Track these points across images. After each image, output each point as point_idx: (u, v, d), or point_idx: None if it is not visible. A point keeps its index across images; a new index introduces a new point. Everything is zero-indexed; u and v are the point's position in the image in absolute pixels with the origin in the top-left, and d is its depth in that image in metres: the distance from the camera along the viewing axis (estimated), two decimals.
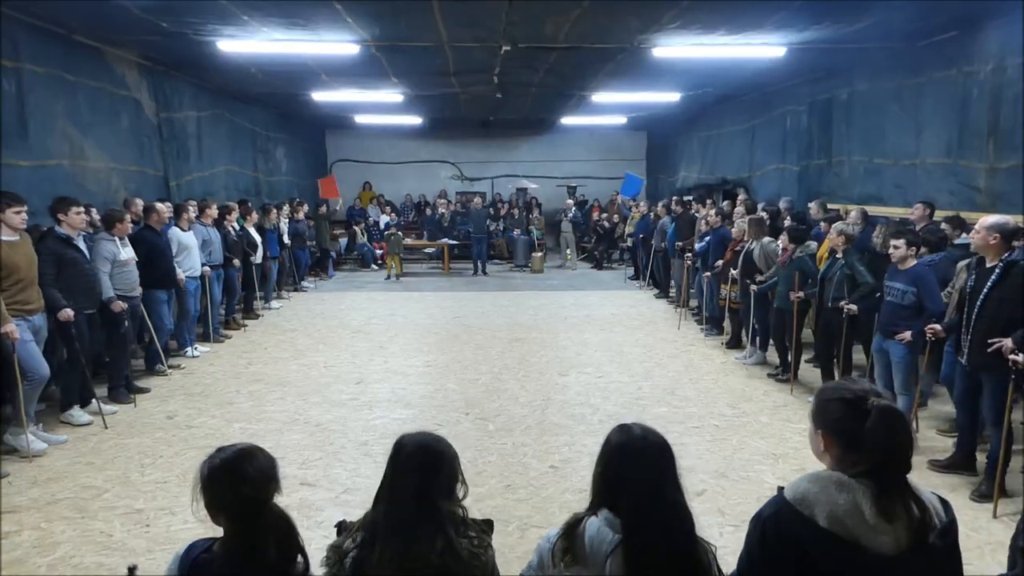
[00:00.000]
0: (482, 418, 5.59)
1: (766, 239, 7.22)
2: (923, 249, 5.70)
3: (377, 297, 11.40)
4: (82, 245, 5.56)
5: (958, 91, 6.87)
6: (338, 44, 7.52)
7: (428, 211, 16.53)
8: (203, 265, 7.68)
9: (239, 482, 1.74)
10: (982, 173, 6.53)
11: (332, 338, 8.38)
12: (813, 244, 6.55)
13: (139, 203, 7.35)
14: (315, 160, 17.54)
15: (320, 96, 11.42)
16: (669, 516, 1.67)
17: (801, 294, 6.14)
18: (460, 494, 1.83)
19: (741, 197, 10.98)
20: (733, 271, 7.66)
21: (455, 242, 14.81)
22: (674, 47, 7.74)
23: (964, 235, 5.52)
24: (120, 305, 5.81)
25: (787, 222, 7.95)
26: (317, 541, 3.60)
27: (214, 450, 1.84)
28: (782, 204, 9.21)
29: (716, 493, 4.25)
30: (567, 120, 15.45)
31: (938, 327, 4.57)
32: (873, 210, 7.88)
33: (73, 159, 7.17)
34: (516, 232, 15.35)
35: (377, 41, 7.50)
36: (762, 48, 7.72)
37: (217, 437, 5.16)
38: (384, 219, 16.14)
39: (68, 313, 5.16)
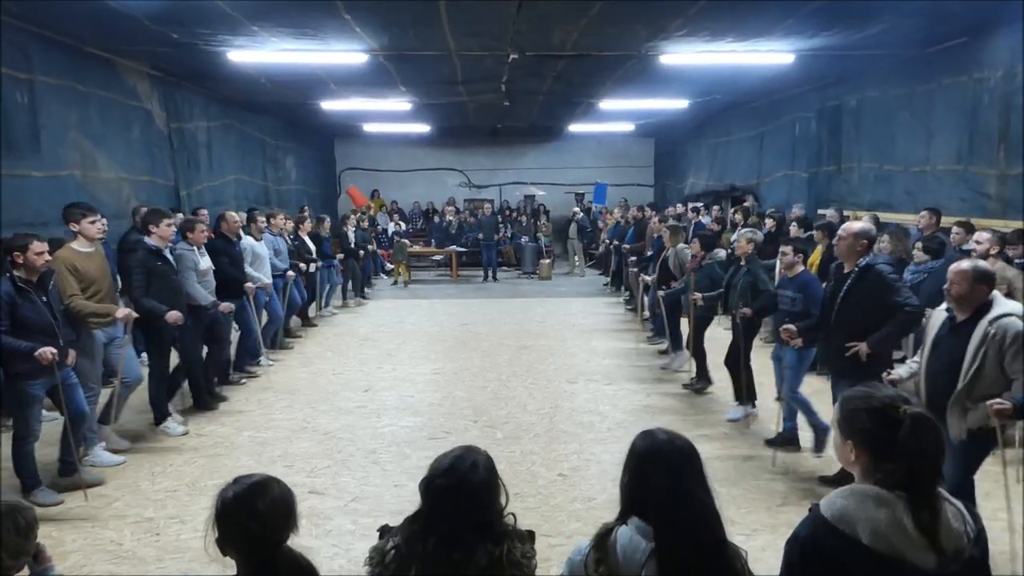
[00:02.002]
0: (490, 426, 5.58)
1: (680, 245, 7.16)
2: (925, 255, 5.68)
3: (385, 304, 11.42)
4: (170, 257, 5.54)
5: (968, 97, 6.83)
6: (347, 53, 7.57)
7: (436, 218, 16.58)
8: (286, 271, 7.78)
9: (249, 518, 1.66)
10: (993, 179, 6.48)
11: (340, 346, 8.40)
12: (721, 252, 6.38)
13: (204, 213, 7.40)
14: (324, 169, 17.64)
15: (329, 105, 11.50)
16: (700, 521, 1.64)
17: (699, 299, 6.07)
18: (503, 501, 1.80)
19: (748, 204, 10.96)
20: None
21: (463, 249, 14.84)
22: (682, 54, 7.75)
23: (972, 241, 5.48)
24: (229, 306, 5.78)
25: (793, 228, 7.92)
26: (326, 550, 3.63)
27: (232, 480, 1.78)
28: (794, 211, 9.16)
29: (727, 502, 4.21)
30: (575, 127, 15.47)
31: (792, 327, 4.52)
32: (883, 216, 7.84)
33: (85, 170, 7.24)
34: (524, 239, 15.36)
35: (385, 50, 7.54)
36: (770, 55, 7.71)
37: (226, 446, 5.18)
38: (391, 227, 16.20)
39: (176, 315, 5.15)
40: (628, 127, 15.66)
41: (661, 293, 7.05)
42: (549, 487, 4.45)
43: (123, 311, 4.81)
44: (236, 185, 11.43)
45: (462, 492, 1.72)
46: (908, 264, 6.17)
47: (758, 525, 3.92)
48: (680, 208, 12.90)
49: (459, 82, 9.60)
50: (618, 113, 12.88)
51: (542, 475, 4.63)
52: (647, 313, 8.62)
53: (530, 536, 1.83)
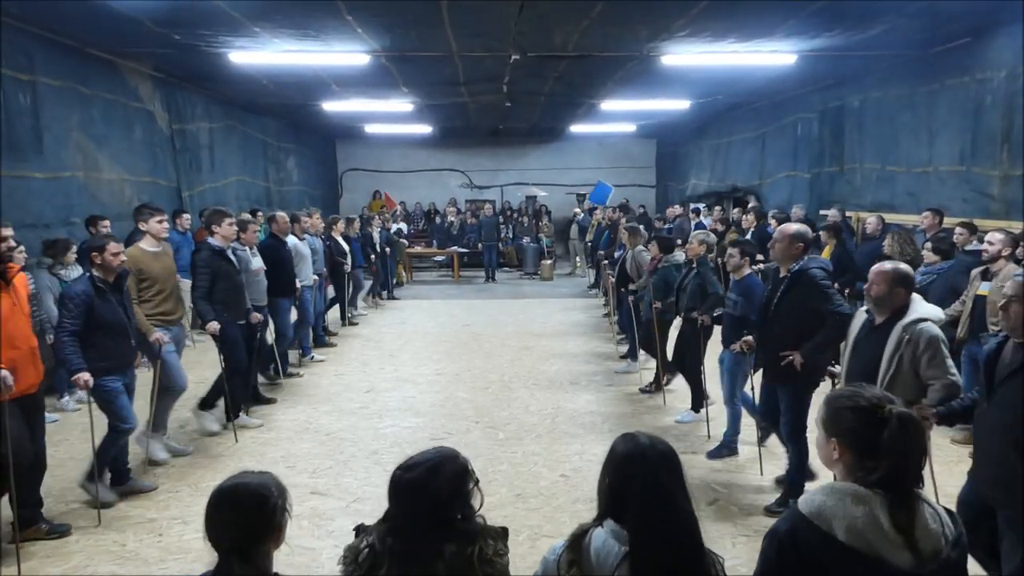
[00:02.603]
0: (492, 427, 5.57)
1: (638, 247, 7.10)
2: (935, 256, 5.65)
3: (386, 305, 11.42)
4: (233, 257, 5.55)
5: (971, 98, 6.82)
6: (348, 55, 7.58)
7: (437, 219, 16.59)
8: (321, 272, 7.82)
9: (228, 511, 1.66)
10: (996, 180, 6.47)
11: (342, 346, 8.40)
12: (680, 254, 6.28)
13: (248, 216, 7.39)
14: (325, 170, 17.65)
15: (330, 106, 11.51)
16: (678, 527, 1.64)
17: (659, 304, 6.03)
18: (476, 503, 1.79)
19: (750, 205, 10.95)
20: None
21: (464, 250, 14.85)
22: (683, 55, 7.74)
23: (976, 242, 5.47)
24: (257, 316, 5.77)
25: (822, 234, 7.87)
26: (328, 551, 3.62)
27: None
28: (795, 211, 9.16)
29: (727, 503, 4.21)
30: (576, 128, 15.48)
31: (750, 339, 4.32)
32: (886, 217, 7.83)
33: (87, 171, 7.25)
34: (525, 240, 15.36)
35: (387, 51, 7.55)
36: (773, 56, 7.70)
37: (228, 446, 5.19)
38: (394, 227, 16.19)
39: (214, 326, 5.15)
40: (630, 128, 15.66)
41: (630, 298, 6.98)
42: (551, 488, 4.45)
43: (158, 335, 4.78)
44: (238, 186, 11.44)
45: (420, 489, 1.72)
46: (916, 265, 6.17)
47: (760, 527, 3.91)
48: (679, 209, 12.91)
49: (461, 83, 9.61)
50: (620, 114, 12.89)
51: (544, 476, 4.63)
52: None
53: (503, 533, 1.82)
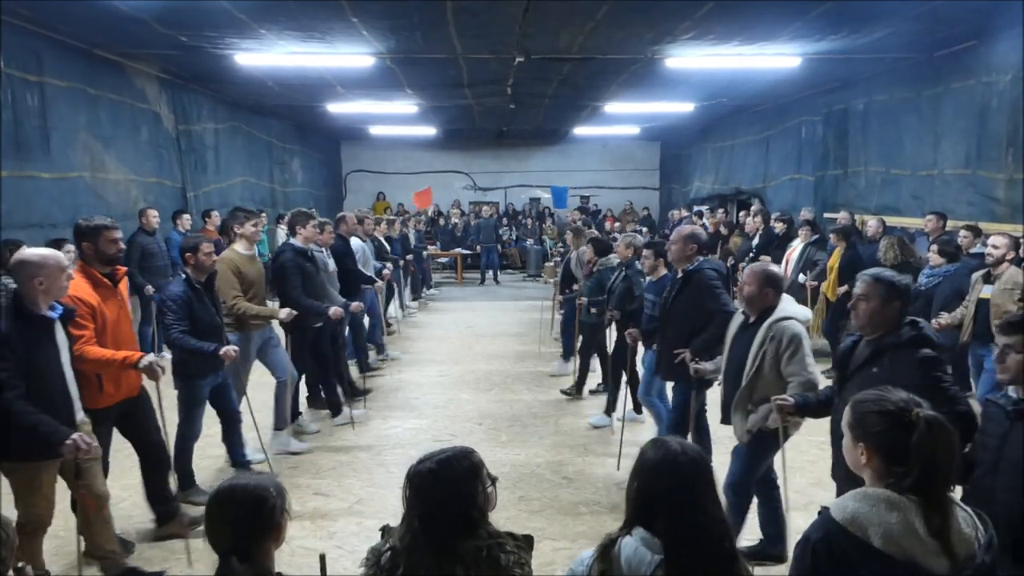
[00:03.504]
0: (495, 428, 5.58)
1: (582, 248, 7.04)
2: (941, 259, 5.65)
3: (389, 306, 11.43)
4: (316, 257, 5.57)
5: (976, 101, 6.81)
6: (354, 57, 7.60)
7: (441, 221, 16.61)
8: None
9: (209, 523, 1.66)
10: (1001, 184, 6.45)
11: None
12: (614, 257, 6.18)
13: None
14: (330, 171, 17.69)
15: (335, 108, 11.54)
16: (711, 534, 1.60)
17: (593, 309, 6.01)
18: (489, 504, 1.78)
19: (755, 208, 10.93)
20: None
21: (468, 251, 14.87)
22: (688, 58, 7.74)
23: (980, 244, 5.45)
24: (339, 312, 5.75)
25: (803, 233, 7.90)
26: (331, 551, 3.63)
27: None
28: (804, 214, 9.14)
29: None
30: (580, 130, 15.48)
31: (635, 331, 4.54)
32: (890, 220, 7.81)
33: (94, 171, 7.29)
34: (529, 242, 15.37)
35: (392, 53, 7.57)
36: (777, 58, 7.70)
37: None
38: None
39: (338, 311, 5.20)
40: (633, 130, 15.66)
41: (560, 298, 6.98)
42: (554, 490, 4.45)
43: (285, 311, 4.82)
44: (243, 187, 11.48)
45: (435, 481, 1.71)
46: (917, 269, 6.15)
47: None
48: (685, 212, 12.91)
49: (465, 85, 9.62)
50: (623, 116, 12.88)
51: (547, 478, 4.63)
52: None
53: (528, 542, 1.79)
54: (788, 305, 3.35)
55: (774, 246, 8.60)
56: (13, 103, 6.05)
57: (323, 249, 5.82)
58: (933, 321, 5.35)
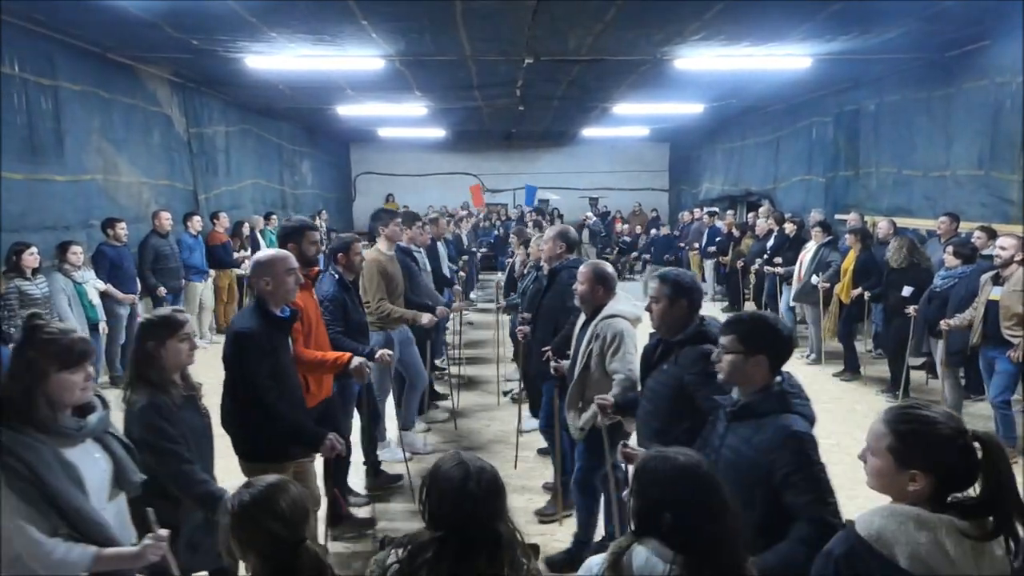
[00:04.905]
0: (501, 432, 5.58)
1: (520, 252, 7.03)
2: (956, 260, 5.59)
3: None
4: (418, 257, 5.66)
5: (990, 102, 6.75)
6: (363, 59, 7.63)
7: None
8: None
9: (271, 519, 1.63)
10: (1015, 185, 6.39)
11: None
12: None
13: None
14: (339, 173, 17.77)
15: (345, 110, 11.58)
16: (726, 544, 1.57)
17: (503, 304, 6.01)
18: (508, 512, 1.75)
19: (764, 209, 10.89)
20: None
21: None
22: (697, 58, 7.72)
23: (993, 246, 5.40)
24: (445, 311, 5.77)
25: (816, 234, 7.85)
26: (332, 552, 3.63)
27: (243, 484, 1.76)
28: (813, 215, 9.10)
29: None
30: (589, 132, 15.47)
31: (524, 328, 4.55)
32: (902, 222, 7.76)
33: (107, 174, 7.35)
34: None
35: (402, 56, 7.59)
36: (787, 59, 7.66)
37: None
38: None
39: (442, 311, 5.27)
40: (643, 132, 15.63)
41: (503, 303, 6.97)
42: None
43: (427, 317, 4.87)
44: (253, 189, 11.55)
45: (454, 487, 1.67)
46: (926, 271, 6.10)
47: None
48: (697, 212, 12.87)
49: (474, 87, 9.64)
50: (632, 118, 12.86)
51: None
52: None
53: (535, 550, 1.78)
54: (618, 303, 3.37)
55: (786, 247, 8.56)
56: (27, 106, 6.11)
57: (421, 250, 5.91)
58: (941, 322, 5.33)
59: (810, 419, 2.19)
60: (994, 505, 1.45)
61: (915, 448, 1.51)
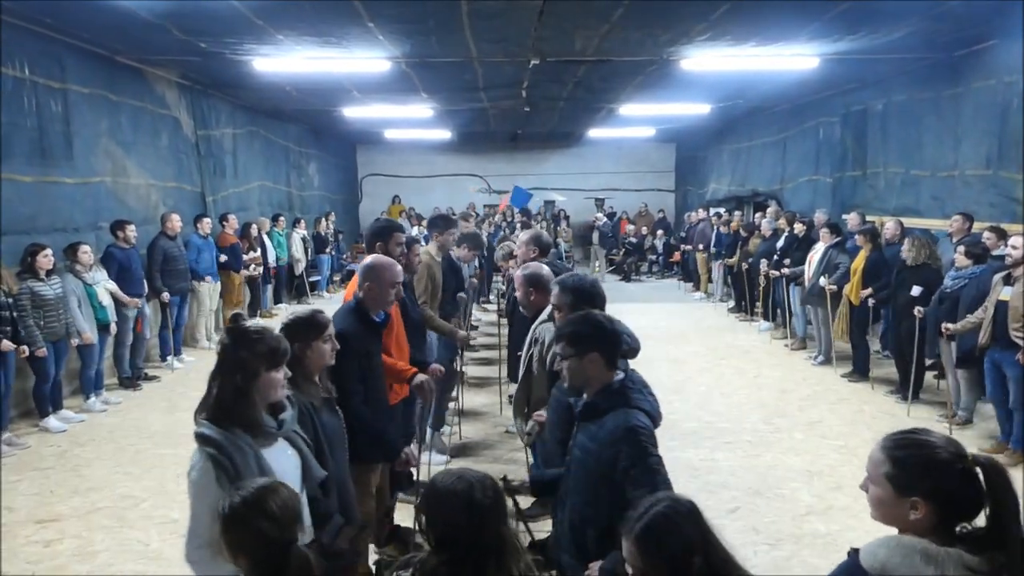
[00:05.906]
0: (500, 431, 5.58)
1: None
2: (967, 260, 5.55)
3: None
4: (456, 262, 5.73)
5: (998, 101, 6.71)
6: (370, 61, 7.65)
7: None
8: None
9: (262, 520, 1.63)
10: (1023, 185, 6.35)
11: None
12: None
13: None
14: (346, 175, 17.81)
15: (351, 112, 11.62)
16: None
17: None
18: (512, 522, 1.77)
19: (771, 209, 10.85)
20: None
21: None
22: (704, 59, 7.71)
23: (1003, 246, 5.37)
24: (465, 336, 5.76)
25: (824, 234, 7.81)
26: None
27: (232, 487, 1.77)
28: (818, 216, 9.06)
29: (750, 511, 4.18)
30: (595, 132, 15.46)
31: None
32: (910, 222, 7.72)
33: (115, 176, 7.40)
34: None
35: (408, 58, 7.61)
36: (794, 59, 7.64)
37: None
38: (414, 230, 16.29)
39: (464, 335, 5.24)
40: (649, 132, 15.61)
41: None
42: None
43: (463, 333, 4.88)
44: (260, 191, 11.59)
45: (476, 504, 1.66)
46: (937, 271, 6.07)
47: (782, 535, 3.88)
48: (703, 213, 12.83)
49: (480, 88, 9.65)
50: (639, 118, 12.84)
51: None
52: None
53: (537, 563, 1.80)
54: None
55: (794, 248, 8.52)
56: (37, 109, 6.16)
57: (465, 264, 6.08)
58: (943, 326, 5.29)
59: (652, 413, 2.23)
60: (1002, 539, 1.39)
61: (913, 474, 1.45)
